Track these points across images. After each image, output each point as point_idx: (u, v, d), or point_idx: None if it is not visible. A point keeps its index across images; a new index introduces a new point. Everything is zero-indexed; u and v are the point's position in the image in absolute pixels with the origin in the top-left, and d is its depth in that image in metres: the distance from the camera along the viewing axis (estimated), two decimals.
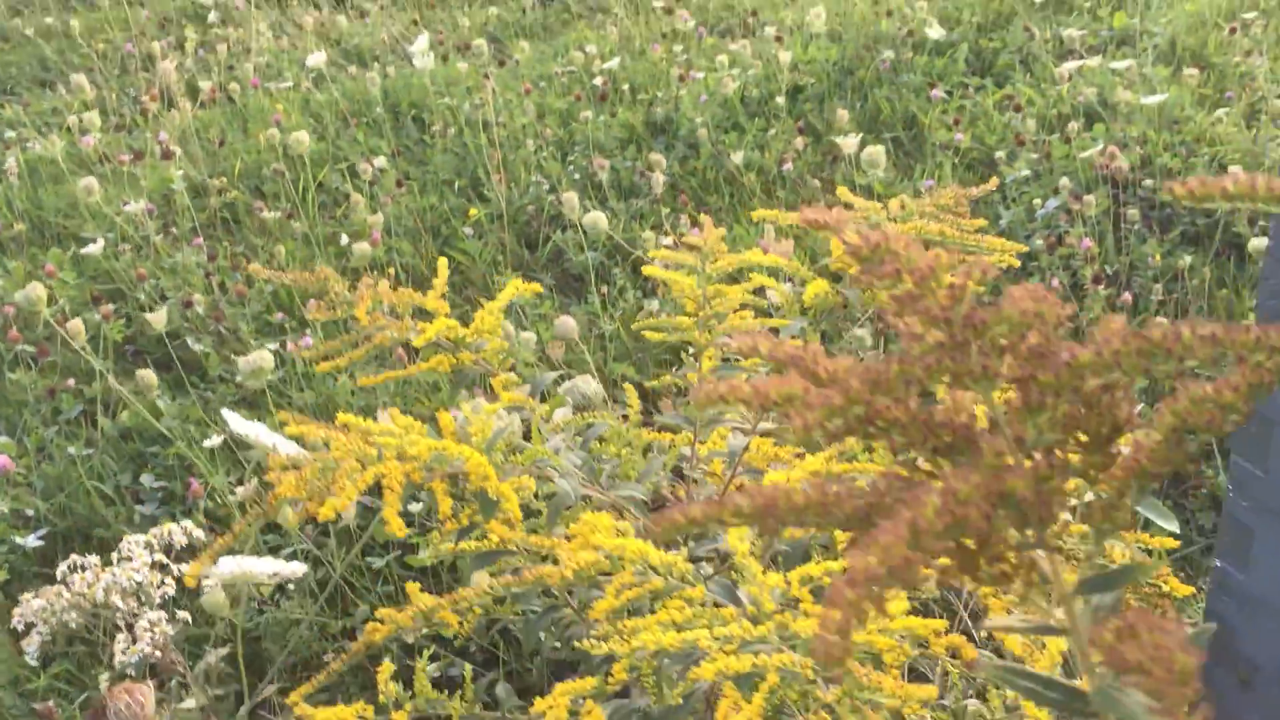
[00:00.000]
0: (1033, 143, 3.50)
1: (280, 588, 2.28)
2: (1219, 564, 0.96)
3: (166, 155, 3.35)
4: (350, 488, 0.98)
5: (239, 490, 2.28)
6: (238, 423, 1.24)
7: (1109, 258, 3.01)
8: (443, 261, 1.38)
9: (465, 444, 1.05)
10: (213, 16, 5.52)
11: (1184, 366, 0.40)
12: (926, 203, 1.40)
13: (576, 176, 3.65)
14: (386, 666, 1.06)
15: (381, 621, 1.12)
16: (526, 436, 1.21)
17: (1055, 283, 2.83)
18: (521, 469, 1.10)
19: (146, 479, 2.57)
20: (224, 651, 1.80)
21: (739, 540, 0.95)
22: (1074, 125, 3.33)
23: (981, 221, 1.38)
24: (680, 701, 0.91)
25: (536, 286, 1.36)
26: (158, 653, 1.69)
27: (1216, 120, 3.46)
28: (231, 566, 1.21)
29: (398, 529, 0.95)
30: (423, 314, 1.36)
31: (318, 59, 4.27)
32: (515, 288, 1.33)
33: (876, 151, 2.60)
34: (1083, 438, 0.43)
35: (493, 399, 1.36)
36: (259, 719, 2.06)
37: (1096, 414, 0.44)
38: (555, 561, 1.02)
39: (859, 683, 0.79)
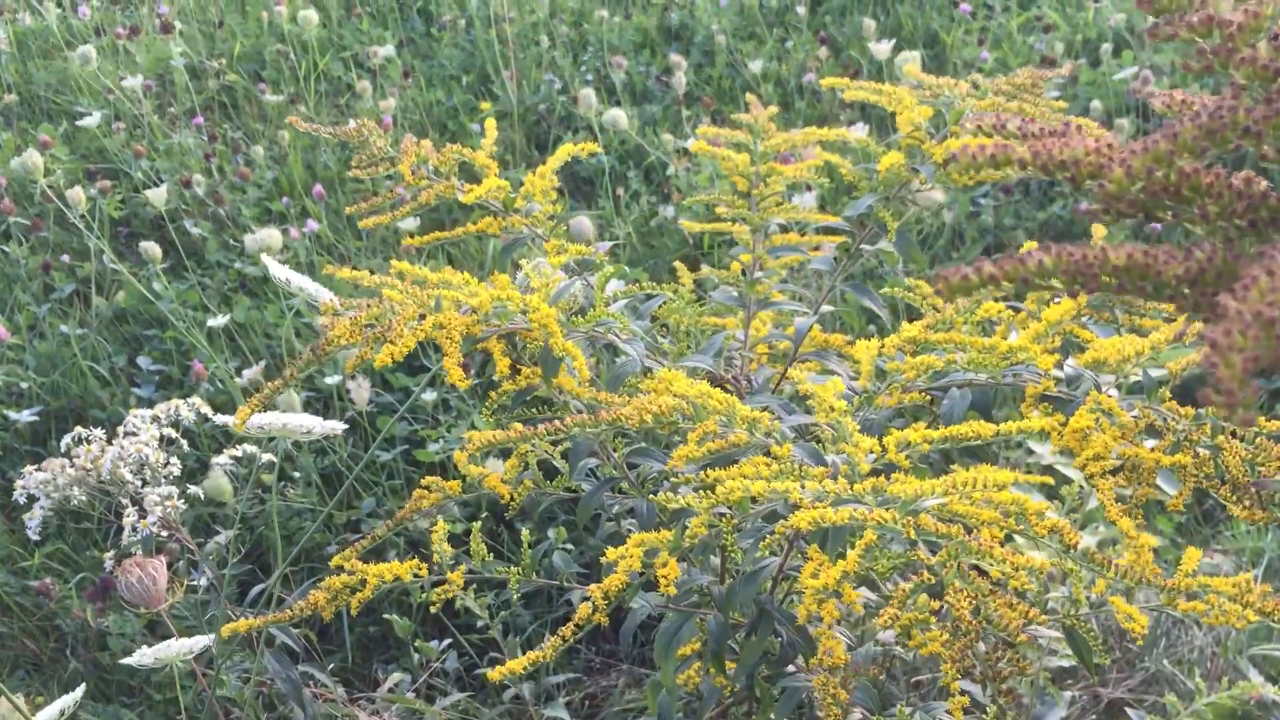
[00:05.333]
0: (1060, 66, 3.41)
1: (284, 476, 2.21)
2: None
3: (166, 29, 3.21)
4: (409, 336, 0.90)
5: (245, 374, 2.20)
6: (277, 268, 1.16)
7: None
8: (490, 122, 1.29)
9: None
10: None
11: None
12: (1002, 81, 1.33)
13: (590, 78, 3.53)
14: (441, 525, 1.00)
15: (429, 489, 1.06)
16: (582, 314, 1.14)
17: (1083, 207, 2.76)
18: (583, 333, 1.03)
19: (143, 361, 2.48)
20: (233, 533, 1.74)
21: (833, 397, 0.88)
22: (1105, 47, 3.25)
23: (1063, 104, 1.31)
24: (756, 559, 0.85)
25: (594, 145, 1.28)
26: (164, 531, 1.63)
27: None
28: (267, 420, 1.14)
29: (458, 379, 0.88)
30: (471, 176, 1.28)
31: None
32: (569, 150, 1.25)
33: (912, 57, 2.50)
34: None
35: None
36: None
37: None
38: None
39: (967, 546, 0.74)
